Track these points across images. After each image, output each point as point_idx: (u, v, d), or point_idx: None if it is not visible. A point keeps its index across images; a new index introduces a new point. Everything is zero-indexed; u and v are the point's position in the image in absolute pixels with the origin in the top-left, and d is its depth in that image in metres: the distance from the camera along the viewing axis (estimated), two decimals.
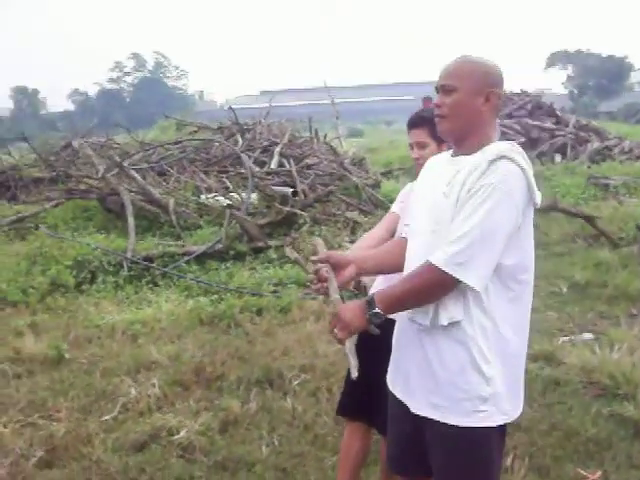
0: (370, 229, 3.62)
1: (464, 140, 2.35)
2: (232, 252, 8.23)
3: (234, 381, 5.02)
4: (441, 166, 2.45)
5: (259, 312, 6.58)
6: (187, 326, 6.27)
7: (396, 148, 22.99)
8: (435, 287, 2.19)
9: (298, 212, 9.14)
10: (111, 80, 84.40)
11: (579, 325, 6.39)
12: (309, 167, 12.02)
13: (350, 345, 2.34)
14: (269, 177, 11.03)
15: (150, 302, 7.08)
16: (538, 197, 2.24)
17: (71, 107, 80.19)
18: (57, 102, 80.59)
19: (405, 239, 2.61)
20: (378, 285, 3.28)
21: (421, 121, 3.16)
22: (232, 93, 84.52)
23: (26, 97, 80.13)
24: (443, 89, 2.35)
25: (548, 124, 19.77)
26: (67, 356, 5.65)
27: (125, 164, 10.75)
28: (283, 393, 4.88)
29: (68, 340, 6.04)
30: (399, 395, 2.45)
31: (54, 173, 12.78)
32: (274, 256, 8.13)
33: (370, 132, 38.49)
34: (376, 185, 12.00)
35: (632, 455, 3.93)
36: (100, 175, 9.62)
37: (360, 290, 3.10)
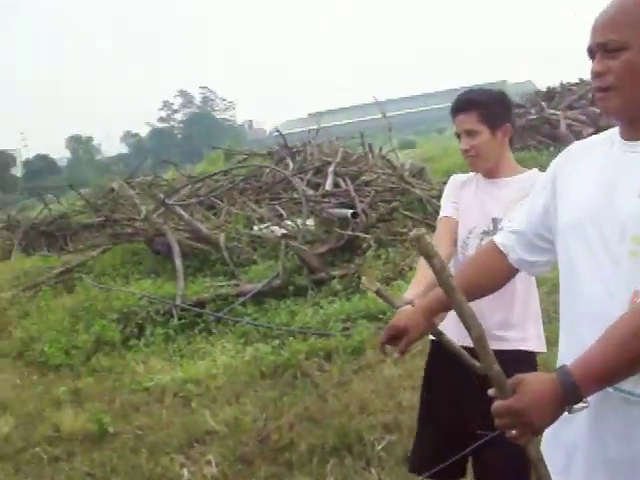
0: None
1: None
2: (292, 287, 7.36)
3: (305, 451, 4.12)
4: (609, 156, 1.61)
5: (328, 356, 5.68)
6: (246, 382, 5.40)
7: (452, 155, 21.98)
8: None
9: (361, 235, 8.23)
10: (161, 119, 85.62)
11: None
12: (367, 184, 11.11)
13: (535, 450, 1.56)
14: (325, 200, 10.16)
15: (204, 353, 6.27)
16: None
17: (125, 150, 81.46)
18: (111, 147, 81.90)
19: (493, 244, 1.96)
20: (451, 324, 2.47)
21: (469, 104, 2.65)
22: (280, 119, 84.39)
23: (81, 145, 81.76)
24: (604, 49, 1.55)
25: None
26: (111, 430, 4.86)
27: (171, 201, 10.06)
28: (366, 462, 3.96)
29: (113, 409, 5.28)
30: None
31: (100, 218, 12.20)
32: (339, 287, 7.25)
33: (422, 142, 37.29)
34: (441, 196, 11.00)
35: None
36: (142, 216, 8.90)
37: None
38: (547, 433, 1.77)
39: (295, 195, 10.43)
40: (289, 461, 4.08)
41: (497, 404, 1.50)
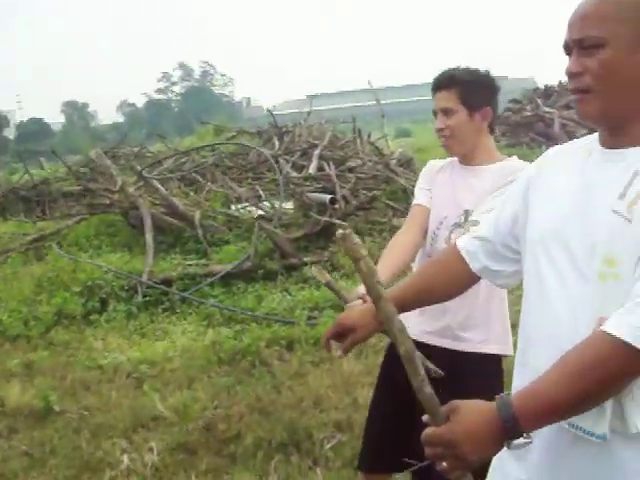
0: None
1: (627, 124, 1.39)
2: (262, 271, 7.18)
3: (251, 444, 3.96)
4: (586, 165, 1.46)
5: (290, 345, 5.52)
6: (202, 366, 5.23)
7: None
8: (623, 376, 1.28)
9: (337, 222, 8.05)
10: (159, 90, 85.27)
11: None
12: (351, 170, 10.91)
13: None
14: (307, 183, 9.97)
15: (165, 334, 6.10)
16: None
17: (120, 119, 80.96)
18: (107, 115, 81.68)
19: (456, 248, 1.80)
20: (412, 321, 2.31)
21: (449, 82, 2.52)
22: (279, 99, 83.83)
23: (76, 111, 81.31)
24: (581, 45, 1.38)
25: None
26: (56, 408, 4.68)
27: (152, 174, 9.86)
28: (312, 461, 3.80)
29: (63, 385, 5.11)
30: None
31: (79, 187, 11.98)
32: (310, 274, 7.09)
33: (419, 131, 36.90)
34: None
35: None
36: (118, 187, 8.69)
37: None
38: (494, 465, 1.62)
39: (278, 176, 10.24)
40: (233, 454, 3.92)
41: (427, 431, 1.35)
